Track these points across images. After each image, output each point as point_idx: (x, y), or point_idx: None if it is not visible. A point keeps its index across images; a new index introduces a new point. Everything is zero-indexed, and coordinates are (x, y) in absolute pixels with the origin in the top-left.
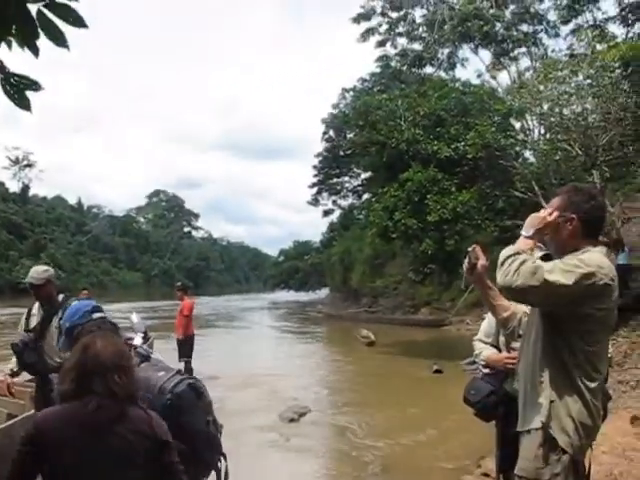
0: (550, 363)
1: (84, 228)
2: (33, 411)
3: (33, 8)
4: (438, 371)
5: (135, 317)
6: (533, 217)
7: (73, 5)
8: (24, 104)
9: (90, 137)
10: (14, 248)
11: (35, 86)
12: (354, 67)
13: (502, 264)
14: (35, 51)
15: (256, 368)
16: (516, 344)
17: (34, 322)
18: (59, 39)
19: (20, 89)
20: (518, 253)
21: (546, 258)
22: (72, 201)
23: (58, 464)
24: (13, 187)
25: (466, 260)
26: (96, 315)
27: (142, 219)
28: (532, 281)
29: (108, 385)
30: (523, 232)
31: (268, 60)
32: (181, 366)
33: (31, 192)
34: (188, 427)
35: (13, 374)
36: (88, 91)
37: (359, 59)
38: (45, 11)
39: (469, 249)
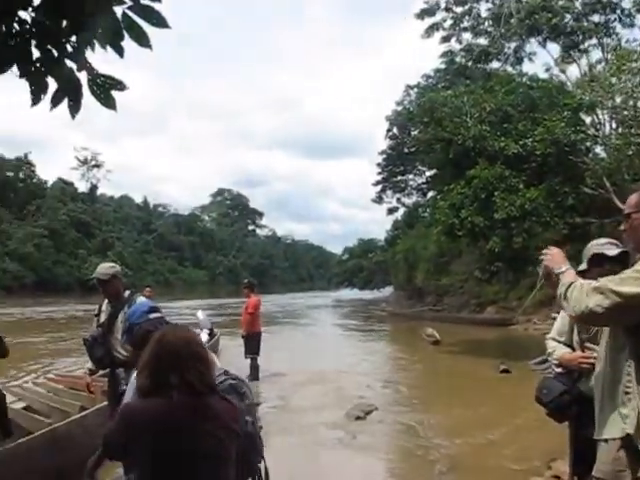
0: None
1: (150, 227)
2: (105, 403)
3: (118, 10)
4: (506, 371)
5: (201, 314)
6: (556, 254)
7: (156, 6)
8: (110, 103)
9: (155, 137)
10: (83, 246)
11: (120, 86)
12: (418, 64)
13: (564, 298)
14: (120, 51)
15: (322, 365)
16: (591, 345)
17: (103, 318)
18: (143, 40)
19: (106, 89)
20: (572, 283)
21: (624, 255)
22: (138, 200)
23: (145, 459)
24: (82, 187)
25: (541, 266)
26: (152, 315)
27: (207, 217)
28: (604, 300)
29: (184, 377)
30: (556, 270)
31: (330, 58)
32: (247, 363)
33: (99, 192)
34: None
35: (92, 372)
36: (153, 92)
37: (423, 55)
38: (130, 13)
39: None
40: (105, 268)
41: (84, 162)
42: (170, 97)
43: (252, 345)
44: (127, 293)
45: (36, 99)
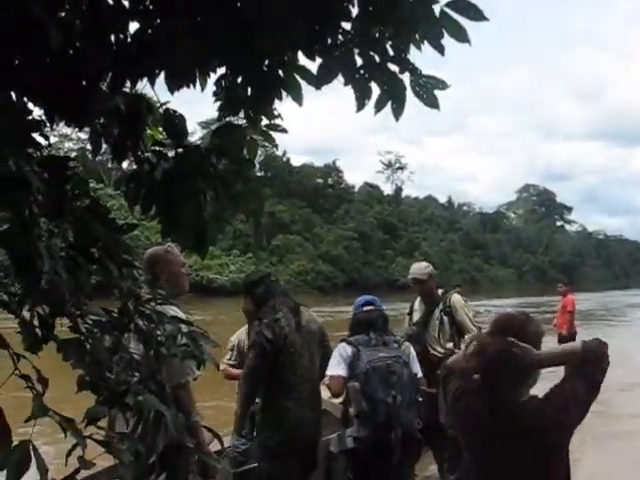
0: None
1: (455, 226)
2: None
3: (436, 8)
4: None
5: None
6: None
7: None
8: (433, 103)
9: (454, 136)
10: (390, 247)
11: (442, 85)
12: None
13: None
14: (441, 50)
15: None
16: None
17: (416, 317)
18: (461, 35)
19: (428, 89)
20: None
21: None
22: (442, 200)
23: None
24: (387, 190)
25: None
26: (366, 308)
27: (512, 215)
28: None
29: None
30: None
31: (629, 35)
32: None
33: (403, 193)
34: None
35: None
36: (450, 89)
37: None
38: (447, 10)
39: None
40: (421, 268)
41: (388, 165)
42: (467, 93)
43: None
44: (440, 291)
45: (360, 105)
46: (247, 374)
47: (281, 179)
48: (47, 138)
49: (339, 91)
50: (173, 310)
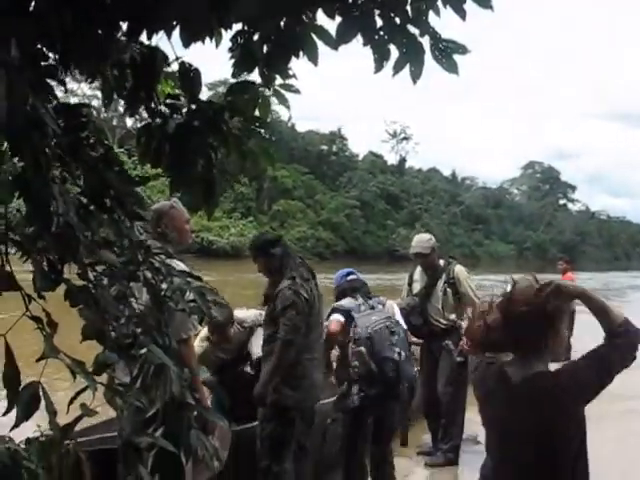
0: None
1: (457, 199)
2: None
3: None
4: None
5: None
6: None
7: None
8: (452, 68)
9: (462, 110)
10: (391, 217)
11: (462, 50)
12: None
13: None
14: (463, 15)
15: None
16: None
17: (417, 287)
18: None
19: (448, 53)
20: None
21: None
22: (446, 173)
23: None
24: (391, 160)
25: None
26: (350, 277)
27: (515, 191)
28: None
29: None
30: None
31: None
32: None
33: (407, 164)
34: None
35: None
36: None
37: None
38: None
39: None
40: (424, 241)
41: (393, 135)
42: (477, 67)
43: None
44: (442, 262)
45: (379, 66)
46: (290, 333)
47: (285, 144)
48: (64, 84)
49: (350, 56)
50: (179, 265)
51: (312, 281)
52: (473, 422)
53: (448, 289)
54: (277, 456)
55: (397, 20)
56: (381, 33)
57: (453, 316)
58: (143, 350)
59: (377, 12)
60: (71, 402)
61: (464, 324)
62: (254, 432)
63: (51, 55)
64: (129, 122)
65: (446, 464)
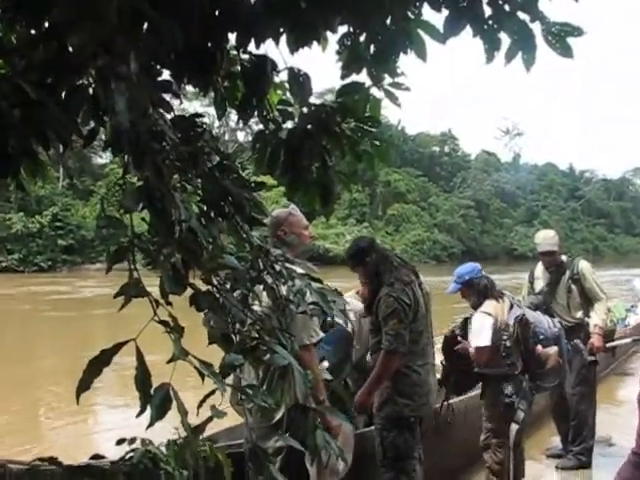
0: None
1: (577, 193)
2: None
3: None
4: None
5: (638, 283)
6: None
7: None
8: (567, 52)
9: (574, 102)
10: (508, 216)
11: (577, 32)
12: None
13: None
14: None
15: None
16: None
17: (539, 285)
18: None
19: (562, 37)
20: None
21: None
22: (563, 167)
23: None
24: (505, 157)
25: None
26: (484, 272)
27: (639, 181)
28: None
29: None
30: None
31: None
32: None
33: (522, 160)
34: None
35: None
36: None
37: None
38: None
39: None
40: (550, 238)
41: (506, 132)
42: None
43: None
44: (564, 257)
45: (490, 56)
46: (393, 343)
47: (397, 147)
48: (178, 96)
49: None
50: (299, 269)
51: (415, 282)
52: (605, 423)
53: (573, 285)
54: (402, 467)
55: (506, 7)
56: (490, 22)
57: (580, 313)
58: (271, 351)
59: (485, 1)
60: (201, 404)
61: (591, 322)
62: (372, 436)
63: (165, 70)
64: (240, 136)
65: (578, 467)
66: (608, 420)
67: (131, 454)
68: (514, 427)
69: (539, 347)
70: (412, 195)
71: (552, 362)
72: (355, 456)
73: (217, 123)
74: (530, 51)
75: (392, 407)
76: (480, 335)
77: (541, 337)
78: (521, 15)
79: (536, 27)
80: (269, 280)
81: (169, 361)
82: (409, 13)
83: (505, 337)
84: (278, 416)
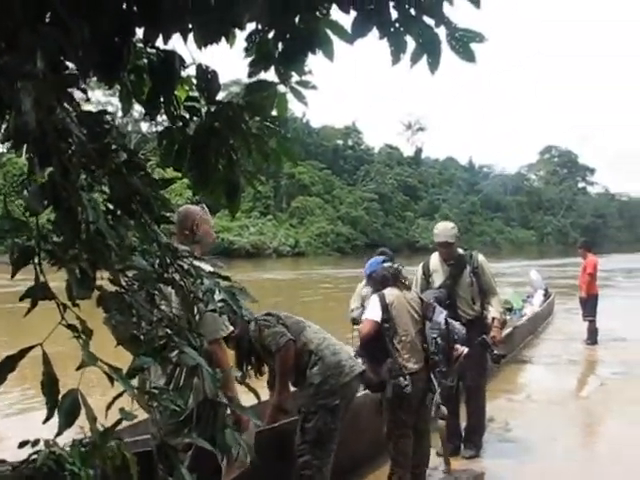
0: None
1: (475, 187)
2: None
3: None
4: None
5: (534, 274)
6: None
7: None
8: (469, 57)
9: (476, 97)
10: (410, 209)
11: (478, 38)
12: None
13: None
14: (477, 3)
15: None
16: None
17: (439, 278)
18: None
19: (465, 42)
20: None
21: None
22: (463, 162)
23: None
24: (407, 151)
25: None
26: (386, 264)
27: (533, 176)
28: None
29: None
30: None
31: None
32: (585, 325)
33: (423, 155)
34: None
35: None
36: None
37: None
38: None
39: None
40: (449, 230)
41: (408, 127)
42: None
43: (589, 307)
44: (460, 250)
45: (396, 59)
46: None
47: (301, 141)
48: (85, 92)
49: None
50: (207, 267)
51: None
52: (503, 410)
53: (474, 279)
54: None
55: (412, 11)
56: (397, 25)
57: (478, 306)
58: (175, 352)
59: (392, 4)
60: (109, 407)
61: (490, 315)
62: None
63: (70, 64)
64: (144, 127)
65: (478, 455)
66: (506, 406)
67: (34, 456)
68: (441, 423)
69: (457, 346)
70: (316, 188)
71: (458, 361)
72: None
73: (120, 114)
74: (435, 55)
75: None
76: (371, 310)
77: (456, 337)
78: (427, 19)
79: (441, 32)
80: (177, 278)
81: (78, 368)
82: (318, 13)
83: (435, 335)
84: (187, 412)
